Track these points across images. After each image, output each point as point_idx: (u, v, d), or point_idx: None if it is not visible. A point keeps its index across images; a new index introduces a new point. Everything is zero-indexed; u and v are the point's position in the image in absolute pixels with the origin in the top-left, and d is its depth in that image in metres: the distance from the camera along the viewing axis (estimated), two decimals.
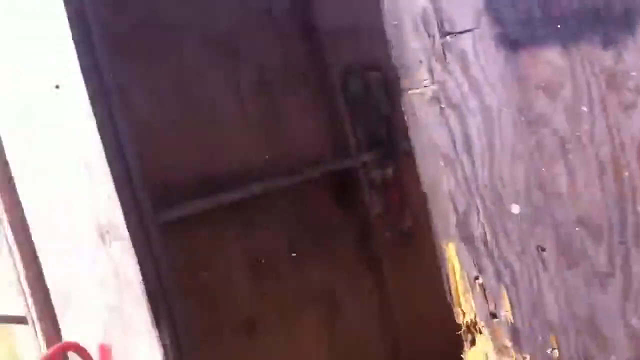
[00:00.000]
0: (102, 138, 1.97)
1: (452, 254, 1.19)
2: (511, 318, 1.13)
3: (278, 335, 2.27)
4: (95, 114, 1.98)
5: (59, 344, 2.25)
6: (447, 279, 1.21)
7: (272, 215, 2.32)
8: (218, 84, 2.29)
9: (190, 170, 2.17)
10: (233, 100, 2.32)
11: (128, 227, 1.96)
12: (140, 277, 1.96)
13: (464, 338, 1.22)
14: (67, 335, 2.26)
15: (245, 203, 2.25)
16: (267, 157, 2.33)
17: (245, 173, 2.29)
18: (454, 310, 1.21)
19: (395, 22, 1.15)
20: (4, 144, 2.27)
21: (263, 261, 2.21)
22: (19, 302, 2.34)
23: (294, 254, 2.26)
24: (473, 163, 1.10)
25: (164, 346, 1.96)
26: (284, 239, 2.32)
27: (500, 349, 1.16)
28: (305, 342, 2.33)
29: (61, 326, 2.30)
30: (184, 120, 2.22)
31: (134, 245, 1.97)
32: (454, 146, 1.12)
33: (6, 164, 2.29)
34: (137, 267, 1.97)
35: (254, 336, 2.20)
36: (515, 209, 1.08)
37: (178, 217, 2.09)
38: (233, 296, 2.19)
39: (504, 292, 1.12)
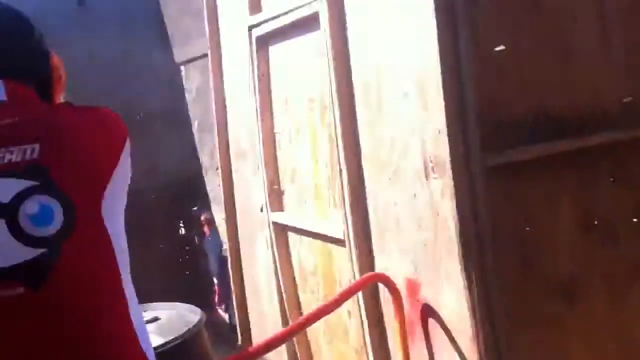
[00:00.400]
0: (441, 63, 2.10)
1: None
2: None
3: (602, 307, 2.22)
4: (438, 35, 2.10)
5: (367, 275, 2.52)
6: None
7: (619, 170, 2.21)
8: (578, 5, 2.21)
9: (529, 108, 2.15)
10: (594, 26, 2.22)
11: (452, 166, 2.09)
12: (456, 219, 2.08)
13: None
14: (380, 264, 2.52)
15: (588, 152, 2.18)
16: (626, 99, 2.21)
17: (595, 117, 2.20)
18: None
19: None
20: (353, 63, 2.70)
21: (597, 222, 2.15)
22: (340, 225, 2.68)
23: (635, 219, 2.18)
24: None
25: (470, 294, 2.07)
26: (629, 199, 2.22)
27: None
28: (635, 321, 2.23)
29: (375, 254, 2.56)
30: (533, 48, 2.18)
31: (456, 185, 2.09)
32: None
33: (350, 83, 2.70)
34: (455, 209, 2.09)
35: (573, 302, 2.18)
36: None
37: (508, 162, 2.13)
38: (555, 255, 2.18)
39: None
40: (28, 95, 1.37)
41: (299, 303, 3.31)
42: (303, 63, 2.97)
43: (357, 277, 2.61)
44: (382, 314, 2.64)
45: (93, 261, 1.23)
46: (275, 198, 3.27)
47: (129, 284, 1.29)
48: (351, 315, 2.85)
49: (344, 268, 2.80)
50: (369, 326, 2.67)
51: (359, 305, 2.68)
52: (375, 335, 2.65)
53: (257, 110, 3.29)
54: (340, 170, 2.63)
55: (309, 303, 3.22)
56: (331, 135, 2.71)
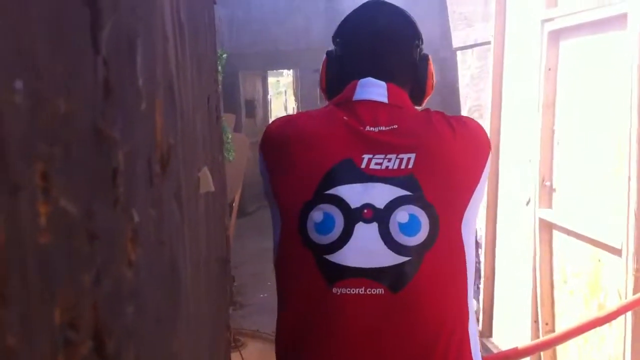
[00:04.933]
0: None
1: None
2: None
3: None
4: None
5: None
6: None
7: None
8: None
9: None
10: None
11: None
12: None
13: None
14: None
15: None
16: None
17: None
18: None
19: None
20: None
21: None
22: (618, 234, 2.56)
23: None
24: None
25: None
26: None
27: None
28: None
29: None
30: None
31: None
32: None
33: None
34: None
35: None
36: None
37: None
38: None
39: None
40: (405, 100, 1.39)
41: (552, 301, 3.25)
42: (597, 61, 2.86)
43: (631, 290, 2.50)
44: None
45: (447, 273, 1.26)
46: (545, 194, 3.21)
47: (471, 296, 1.31)
48: (612, 325, 2.75)
49: (614, 278, 2.69)
50: (632, 340, 2.55)
51: (624, 317, 2.57)
52: (638, 350, 2.54)
53: (538, 103, 3.24)
54: (629, 177, 2.51)
55: (564, 304, 3.16)
56: (621, 139, 2.59)
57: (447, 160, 1.29)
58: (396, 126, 1.31)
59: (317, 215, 1.26)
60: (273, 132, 1.38)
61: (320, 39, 6.55)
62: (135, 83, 0.43)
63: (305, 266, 1.26)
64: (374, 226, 1.24)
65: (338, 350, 1.25)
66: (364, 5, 1.50)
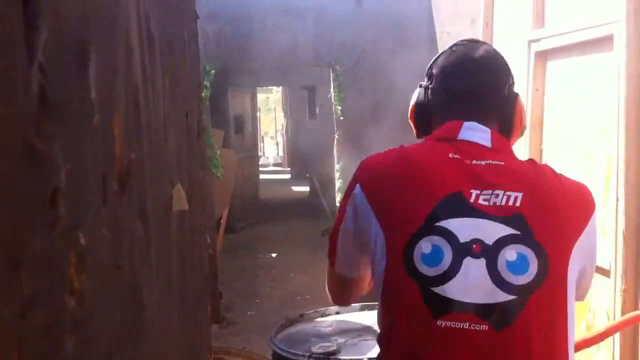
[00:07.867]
0: None
1: None
2: None
3: None
4: None
5: (637, 314, 2.46)
6: None
7: None
8: None
9: None
10: None
11: None
12: None
13: None
14: None
15: None
16: None
17: None
18: None
19: None
20: None
21: None
22: (606, 254, 2.53)
23: None
24: None
25: None
26: None
27: None
28: None
29: None
30: None
31: None
32: None
33: None
34: None
35: None
36: None
37: None
38: None
39: None
40: (508, 146, 1.40)
41: None
42: (584, 82, 2.86)
43: (619, 312, 2.47)
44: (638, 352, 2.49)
45: (551, 318, 1.26)
46: None
47: (571, 343, 1.30)
48: (600, 347, 2.72)
49: (602, 298, 2.66)
50: None
51: (613, 338, 2.54)
52: None
53: (526, 123, 3.22)
54: (617, 198, 2.49)
55: None
56: (610, 160, 2.58)
57: (554, 204, 1.29)
58: (503, 163, 1.32)
59: (425, 246, 1.25)
60: (376, 164, 1.39)
61: (307, 57, 6.56)
62: (86, 95, 0.39)
63: (411, 297, 1.25)
64: (481, 262, 1.23)
65: None
66: (463, 43, 1.50)
